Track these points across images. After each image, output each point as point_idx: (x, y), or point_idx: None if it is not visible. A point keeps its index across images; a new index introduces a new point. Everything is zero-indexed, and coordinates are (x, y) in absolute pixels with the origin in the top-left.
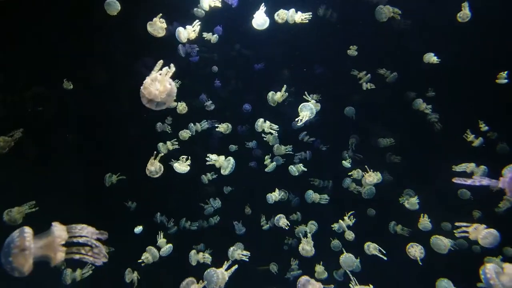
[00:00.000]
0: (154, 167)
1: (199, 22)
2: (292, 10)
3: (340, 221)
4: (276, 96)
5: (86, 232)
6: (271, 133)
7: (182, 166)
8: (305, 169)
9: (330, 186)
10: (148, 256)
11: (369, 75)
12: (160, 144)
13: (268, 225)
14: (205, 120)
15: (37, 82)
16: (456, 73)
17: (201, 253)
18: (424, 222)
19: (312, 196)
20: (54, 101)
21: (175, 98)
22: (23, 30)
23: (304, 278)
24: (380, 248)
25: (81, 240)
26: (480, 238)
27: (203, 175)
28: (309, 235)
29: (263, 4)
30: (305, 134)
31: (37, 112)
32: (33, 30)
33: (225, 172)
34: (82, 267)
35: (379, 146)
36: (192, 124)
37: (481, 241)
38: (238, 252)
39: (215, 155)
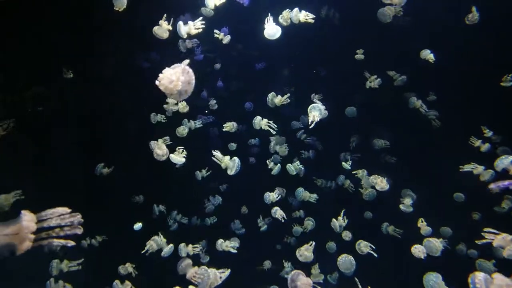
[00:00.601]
0: (161, 150)
1: (203, 20)
2: (296, 10)
3: (334, 220)
4: (276, 100)
5: (58, 215)
6: (271, 132)
7: (178, 156)
8: (303, 167)
9: (333, 186)
10: (153, 244)
11: (379, 79)
12: (152, 142)
13: (265, 226)
14: (199, 118)
15: (37, 82)
16: (460, 74)
17: (190, 245)
18: (424, 227)
19: (302, 194)
20: (53, 96)
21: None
22: (23, 30)
23: (294, 272)
24: (371, 245)
25: (52, 224)
26: (508, 249)
27: (197, 171)
28: (312, 243)
29: (269, 15)
30: (303, 133)
31: (37, 111)
32: (33, 30)
33: (231, 172)
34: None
35: (375, 147)
36: (186, 121)
37: (507, 252)
38: (226, 244)
39: (219, 153)
